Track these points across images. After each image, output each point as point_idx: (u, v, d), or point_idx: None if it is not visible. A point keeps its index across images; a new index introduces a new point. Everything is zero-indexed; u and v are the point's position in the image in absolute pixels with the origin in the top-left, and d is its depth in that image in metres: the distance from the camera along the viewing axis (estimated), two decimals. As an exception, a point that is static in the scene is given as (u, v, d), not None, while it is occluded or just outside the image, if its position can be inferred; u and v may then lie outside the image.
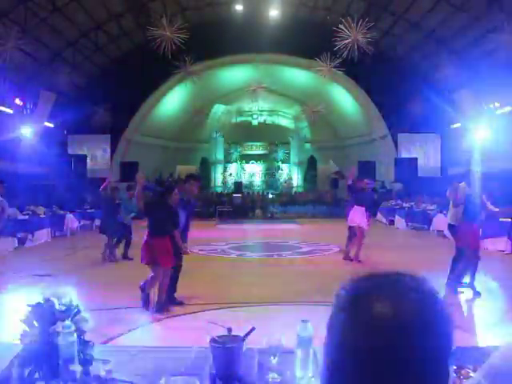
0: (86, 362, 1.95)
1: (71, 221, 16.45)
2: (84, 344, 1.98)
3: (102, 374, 1.92)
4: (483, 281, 7.60)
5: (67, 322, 1.86)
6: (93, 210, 18.81)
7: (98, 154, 26.79)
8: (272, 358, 1.97)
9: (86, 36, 23.10)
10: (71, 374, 1.77)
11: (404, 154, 26.40)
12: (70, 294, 2.02)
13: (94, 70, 25.90)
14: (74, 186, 20.05)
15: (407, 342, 0.72)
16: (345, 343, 0.76)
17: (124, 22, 23.58)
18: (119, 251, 10.78)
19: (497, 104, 22.21)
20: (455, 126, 25.97)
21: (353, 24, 21.20)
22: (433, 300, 0.77)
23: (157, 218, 6.07)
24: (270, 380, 1.93)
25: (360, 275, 0.81)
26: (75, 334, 1.82)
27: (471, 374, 1.85)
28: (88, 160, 25.50)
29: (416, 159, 25.47)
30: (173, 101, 28.62)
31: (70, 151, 25.34)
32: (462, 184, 7.89)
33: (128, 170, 26.34)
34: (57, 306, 1.94)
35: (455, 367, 1.86)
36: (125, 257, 10.70)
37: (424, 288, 0.78)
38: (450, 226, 8.13)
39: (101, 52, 24.96)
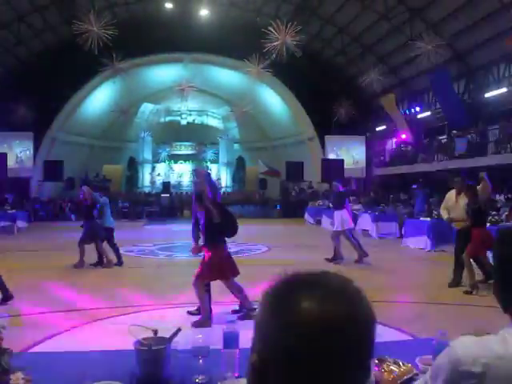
0: (4, 370, 1.88)
1: (-11, 222, 15.72)
2: (1, 351, 1.91)
3: (21, 382, 1.85)
4: (407, 277, 7.92)
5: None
6: (14, 211, 17.98)
7: (19, 153, 25.69)
8: (198, 358, 1.97)
9: (6, 28, 22.04)
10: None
11: (331, 156, 27.01)
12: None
13: (15, 65, 24.77)
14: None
15: (331, 339, 0.73)
16: (270, 342, 0.76)
17: (48, 14, 22.72)
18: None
19: (417, 109, 23.26)
20: (379, 128, 26.98)
21: (282, 26, 21.47)
22: (356, 297, 0.79)
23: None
24: (197, 381, 1.93)
25: (286, 274, 0.82)
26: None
27: (392, 367, 1.93)
28: (9, 158, 24.36)
29: (342, 160, 26.12)
30: (100, 98, 27.85)
31: (-12, 149, 24.13)
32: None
33: (52, 169, 25.50)
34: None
35: (376, 360, 1.93)
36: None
37: (348, 286, 0.80)
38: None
39: (23, 46, 23.89)
